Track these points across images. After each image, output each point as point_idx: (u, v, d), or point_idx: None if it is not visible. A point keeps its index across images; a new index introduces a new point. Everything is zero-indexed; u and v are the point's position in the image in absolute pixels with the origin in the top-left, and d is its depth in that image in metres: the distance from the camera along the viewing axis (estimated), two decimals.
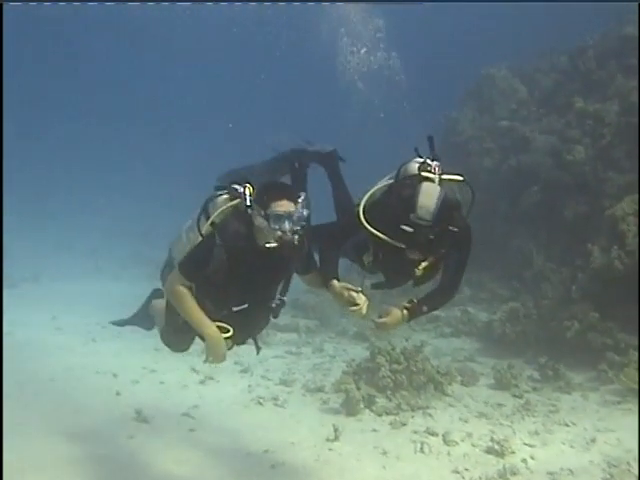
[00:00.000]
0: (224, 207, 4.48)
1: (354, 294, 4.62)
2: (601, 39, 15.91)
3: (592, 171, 12.60)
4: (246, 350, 10.72)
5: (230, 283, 4.50)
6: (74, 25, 40.63)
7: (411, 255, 4.43)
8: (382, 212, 4.58)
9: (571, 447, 6.89)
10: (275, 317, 4.97)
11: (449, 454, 6.74)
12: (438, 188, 4.34)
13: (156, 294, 6.17)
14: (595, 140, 13.09)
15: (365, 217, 4.59)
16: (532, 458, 6.58)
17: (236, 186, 4.52)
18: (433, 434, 7.23)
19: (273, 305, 4.85)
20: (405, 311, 4.73)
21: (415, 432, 7.33)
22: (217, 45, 37.27)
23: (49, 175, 34.48)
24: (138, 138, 45.67)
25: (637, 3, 11.75)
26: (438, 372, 8.77)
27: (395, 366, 8.51)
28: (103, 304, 13.15)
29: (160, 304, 5.59)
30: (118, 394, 8.34)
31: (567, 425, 7.50)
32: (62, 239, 22.60)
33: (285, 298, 4.91)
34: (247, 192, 4.41)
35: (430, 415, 7.89)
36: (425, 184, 4.35)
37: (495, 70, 18.88)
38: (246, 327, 4.77)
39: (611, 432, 7.19)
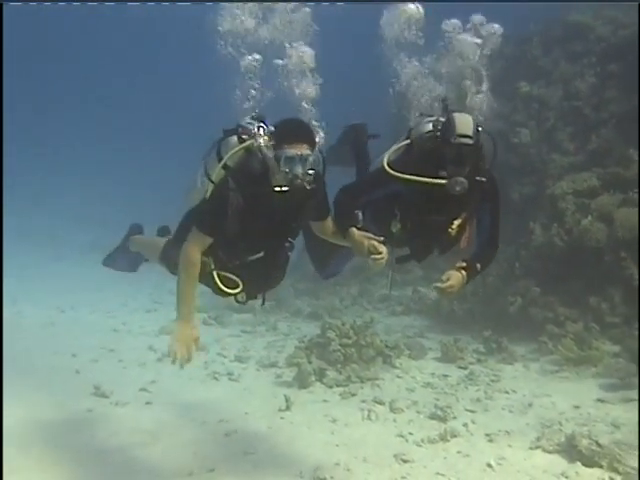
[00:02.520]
0: (237, 148, 4.29)
1: (375, 243, 4.39)
2: (546, 26, 16.35)
3: (537, 153, 13.03)
4: (202, 329, 11.12)
5: (244, 229, 4.30)
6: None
7: (455, 186, 4.28)
8: (408, 163, 4.54)
9: (510, 412, 7.31)
10: (286, 262, 4.79)
11: (395, 420, 7.12)
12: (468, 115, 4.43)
13: (133, 231, 6.14)
14: (540, 123, 13.54)
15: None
16: (473, 422, 6.97)
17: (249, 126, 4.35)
18: (380, 403, 7.61)
19: (285, 249, 4.64)
20: (463, 272, 4.62)
21: (363, 401, 7.70)
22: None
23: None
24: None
25: (637, 3, 12.04)
26: (387, 346, 9.17)
27: (345, 340, 8.86)
28: (62, 289, 13.34)
29: (143, 239, 5.70)
30: (77, 372, 8.61)
31: (507, 392, 7.94)
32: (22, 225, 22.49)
33: (294, 242, 4.66)
34: (260, 131, 4.21)
35: (378, 386, 8.26)
36: (455, 113, 4.42)
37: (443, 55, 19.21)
38: (260, 279, 4.61)
39: (547, 397, 7.63)
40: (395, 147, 4.83)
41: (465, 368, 8.96)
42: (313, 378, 8.30)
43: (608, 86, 13.06)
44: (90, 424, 6.87)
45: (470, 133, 4.28)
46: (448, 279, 4.55)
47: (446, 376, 8.67)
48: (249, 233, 4.33)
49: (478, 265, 4.72)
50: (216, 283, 4.46)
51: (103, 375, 8.44)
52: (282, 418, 7.17)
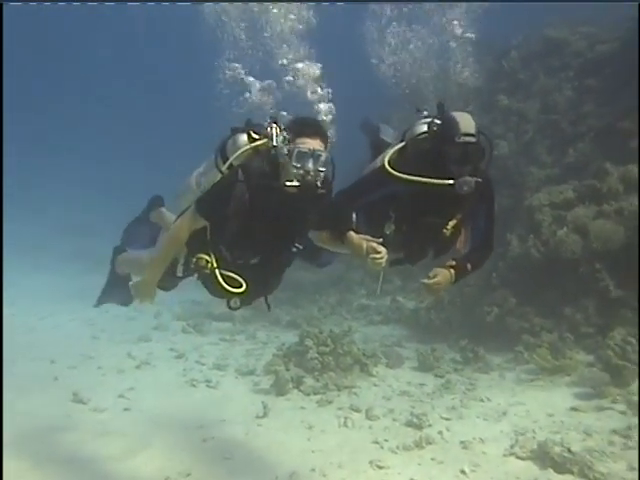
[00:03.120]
0: (247, 147, 4.23)
1: (374, 244, 4.27)
2: (524, 41, 16.59)
3: (515, 165, 13.18)
4: (181, 337, 11.20)
5: (248, 226, 4.17)
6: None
7: (463, 186, 4.17)
8: (405, 164, 4.40)
9: (484, 420, 7.41)
10: (288, 266, 4.63)
11: (370, 427, 7.21)
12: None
13: (117, 251, 5.86)
14: (518, 136, 13.71)
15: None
16: (447, 430, 7.07)
17: (262, 125, 4.28)
18: (357, 410, 7.71)
19: (290, 254, 4.49)
20: (452, 270, 4.47)
21: (340, 409, 7.80)
22: None
23: None
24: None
25: (637, 3, 12.17)
26: (364, 354, 9.25)
27: (323, 348, 8.95)
28: (42, 296, 13.33)
29: (128, 255, 5.53)
30: (56, 379, 8.63)
31: (482, 401, 8.03)
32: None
33: (301, 247, 4.49)
34: (275, 131, 4.10)
35: (355, 394, 8.36)
36: (455, 112, 4.31)
37: (424, 70, 19.41)
38: (261, 282, 4.43)
39: (521, 405, 7.73)
40: (391, 150, 4.67)
41: (441, 377, 9.04)
42: (290, 385, 8.38)
43: (585, 100, 13.28)
44: (68, 430, 6.91)
45: (474, 132, 4.24)
46: (435, 275, 4.42)
47: (422, 385, 8.75)
48: (253, 231, 4.21)
49: (468, 265, 4.63)
50: (218, 282, 4.23)
51: (82, 382, 8.49)
52: (259, 425, 7.25)
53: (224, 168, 4.27)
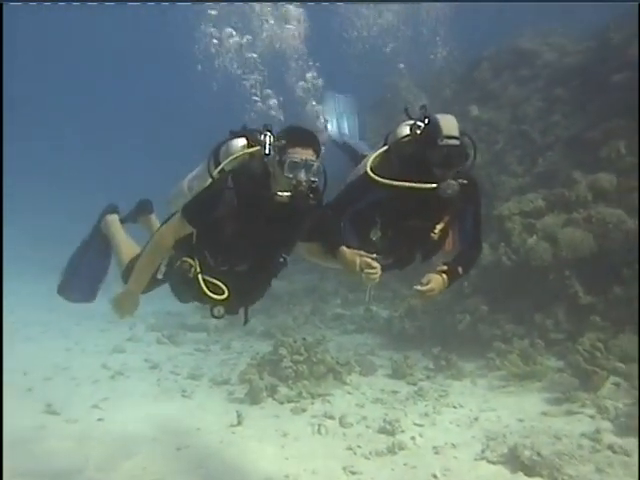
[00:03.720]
0: (240, 153, 4.19)
1: (368, 259, 4.20)
2: (495, 52, 16.83)
3: (486, 175, 13.32)
4: (156, 348, 11.20)
5: (235, 233, 4.12)
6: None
7: (447, 189, 4.12)
8: (390, 169, 4.37)
9: (457, 425, 7.50)
10: (275, 276, 4.53)
11: (344, 434, 7.29)
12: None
13: (108, 210, 5.65)
14: (489, 146, 13.87)
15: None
16: (420, 436, 7.17)
17: (256, 132, 4.24)
18: (330, 417, 7.78)
19: (277, 264, 4.43)
20: (444, 275, 4.40)
21: (314, 416, 7.87)
22: None
23: None
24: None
25: (637, 3, 12.31)
26: (338, 363, 9.31)
27: (296, 357, 9.01)
28: (16, 307, 13.29)
29: (120, 230, 5.39)
30: (29, 390, 8.61)
31: (455, 407, 8.12)
32: None
33: (288, 258, 4.46)
34: (268, 140, 4.04)
35: (329, 402, 8.42)
36: (438, 115, 4.25)
37: (398, 80, 19.62)
38: (245, 291, 4.37)
39: (493, 411, 7.83)
40: (374, 155, 4.61)
41: (414, 384, 9.12)
42: (265, 394, 8.43)
43: (554, 110, 13.48)
44: (42, 441, 6.90)
45: (457, 134, 4.18)
46: (429, 282, 4.33)
47: (395, 392, 8.82)
48: (240, 238, 4.14)
49: (460, 269, 4.55)
50: (200, 288, 4.15)
51: (55, 393, 8.47)
52: (233, 433, 7.30)
53: (215, 173, 4.19)
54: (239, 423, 7.50)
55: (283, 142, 3.97)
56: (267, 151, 4.01)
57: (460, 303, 10.79)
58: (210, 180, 4.18)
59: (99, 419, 7.66)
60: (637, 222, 9.54)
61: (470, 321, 10.33)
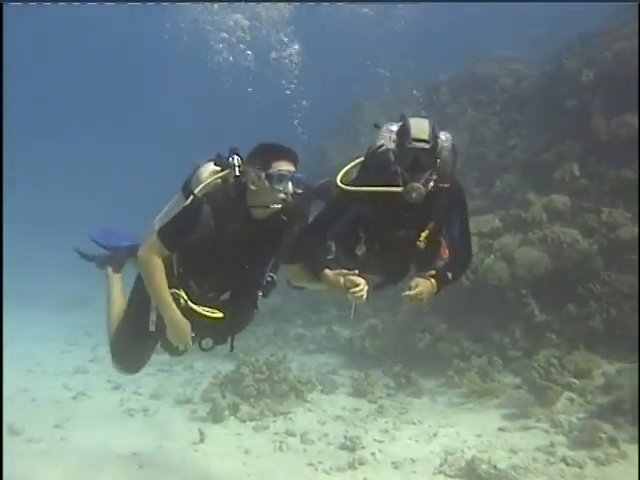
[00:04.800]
0: (211, 178, 4.16)
1: (351, 277, 4.09)
2: (453, 76, 17.19)
3: None
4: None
5: (217, 259, 4.14)
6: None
7: (412, 193, 3.98)
8: (366, 177, 4.29)
9: (416, 441, 7.64)
10: (265, 296, 4.51)
11: (305, 451, 7.39)
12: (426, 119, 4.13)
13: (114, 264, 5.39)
14: None
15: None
16: (380, 451, 7.30)
17: (223, 157, 4.23)
18: (292, 435, 7.88)
19: (262, 285, 4.43)
20: (433, 280, 4.30)
21: (275, 434, 7.97)
22: None
23: None
24: None
25: (637, 3, 12.55)
26: (299, 381, 9.42)
27: (258, 376, 9.10)
28: None
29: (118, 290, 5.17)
30: None
31: (414, 423, 8.26)
32: None
33: (275, 276, 4.49)
34: (236, 162, 4.12)
35: (290, 419, 8.52)
36: (412, 118, 4.09)
37: (362, 101, 19.92)
38: (233, 319, 4.35)
39: (452, 427, 7.97)
40: (347, 167, 4.50)
41: (375, 402, 9.23)
42: (227, 412, 8.50)
43: (510, 134, 13.81)
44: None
45: (426, 137, 3.97)
46: (417, 285, 4.22)
47: (356, 409, 8.94)
48: (221, 261, 4.16)
49: (449, 274, 4.44)
50: (195, 313, 4.17)
51: (16, 413, 8.41)
52: (196, 450, 7.37)
53: (189, 201, 4.13)
54: (201, 441, 7.57)
55: (265, 157, 4.05)
56: (237, 173, 4.08)
57: (420, 322, 10.96)
58: (185, 204, 4.15)
59: (62, 438, 7.67)
60: (592, 241, 9.86)
61: (430, 340, 10.51)
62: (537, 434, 7.47)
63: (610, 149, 11.19)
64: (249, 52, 12.40)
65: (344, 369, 11.18)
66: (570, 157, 11.56)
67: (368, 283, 4.14)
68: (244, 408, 8.70)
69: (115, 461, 7.00)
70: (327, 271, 4.24)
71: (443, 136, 4.17)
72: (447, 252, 4.62)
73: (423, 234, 4.33)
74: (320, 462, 7.00)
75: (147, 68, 44.71)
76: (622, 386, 7.71)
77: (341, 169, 4.45)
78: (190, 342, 4.21)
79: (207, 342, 4.37)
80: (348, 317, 13.20)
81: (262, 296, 4.49)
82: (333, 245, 4.50)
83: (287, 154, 4.11)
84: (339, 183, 4.30)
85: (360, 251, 4.53)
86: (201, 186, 4.13)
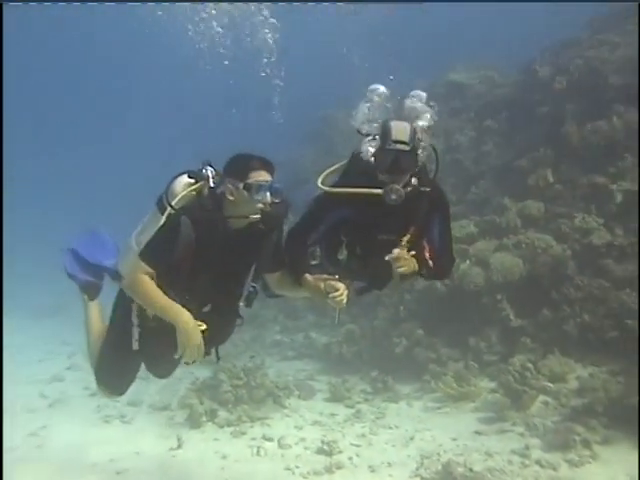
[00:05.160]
0: (186, 190, 4.13)
1: (331, 282, 4.09)
2: (429, 84, 17.33)
3: None
4: (93, 377, 11.08)
5: (198, 271, 4.07)
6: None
7: (391, 195, 3.99)
8: (347, 180, 4.30)
9: (392, 445, 7.71)
10: (248, 306, 4.41)
11: (283, 456, 7.43)
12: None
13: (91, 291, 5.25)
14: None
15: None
16: (357, 455, 7.37)
17: (198, 168, 4.22)
18: (269, 440, 7.93)
19: (243, 297, 4.34)
20: (414, 259, 4.23)
21: (253, 439, 8.00)
22: None
23: None
24: None
25: (637, 3, 12.65)
26: (277, 387, 9.45)
27: (236, 382, 9.11)
28: None
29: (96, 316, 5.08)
30: None
31: (391, 428, 8.32)
32: None
33: (257, 286, 4.42)
34: (210, 173, 4.12)
35: (268, 425, 8.54)
36: (393, 120, 4.10)
37: (334, 112, 20.00)
38: (216, 330, 4.20)
39: (428, 431, 8.07)
40: (329, 169, 4.53)
41: (352, 407, 9.29)
42: (205, 418, 8.50)
43: (485, 141, 13.98)
44: None
45: (406, 139, 4.01)
46: (397, 259, 4.13)
47: (334, 414, 8.99)
48: (202, 273, 4.10)
49: (430, 263, 4.39)
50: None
51: None
52: (173, 456, 7.38)
53: (166, 213, 4.10)
54: (179, 446, 7.58)
55: (242, 168, 4.00)
56: (211, 184, 4.08)
57: (396, 327, 11.04)
58: (163, 220, 4.10)
59: (38, 446, 7.65)
60: (565, 247, 9.99)
61: (406, 345, 10.57)
62: (512, 437, 7.57)
63: (582, 155, 11.37)
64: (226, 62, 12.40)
65: (322, 375, 11.21)
66: (544, 163, 11.74)
67: (348, 288, 4.12)
68: (222, 414, 8.70)
69: (92, 468, 6.99)
70: (307, 276, 4.26)
71: (424, 141, 4.18)
72: (431, 256, 4.51)
73: (405, 238, 4.28)
74: (297, 466, 7.05)
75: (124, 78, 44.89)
76: (595, 389, 7.80)
77: (322, 173, 4.45)
78: (203, 347, 3.98)
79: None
80: (326, 323, 13.34)
81: (245, 306, 4.42)
82: (318, 250, 4.49)
83: (264, 164, 4.05)
84: (320, 185, 4.31)
85: (342, 255, 4.56)
86: (176, 199, 4.10)
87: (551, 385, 8.49)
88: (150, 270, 3.95)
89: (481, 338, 10.04)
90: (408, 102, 4.30)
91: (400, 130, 4.03)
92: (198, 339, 3.92)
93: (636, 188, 10.00)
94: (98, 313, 5.15)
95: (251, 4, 11.33)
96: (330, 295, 4.05)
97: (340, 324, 12.84)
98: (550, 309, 9.64)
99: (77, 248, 5.33)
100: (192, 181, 4.19)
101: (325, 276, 4.17)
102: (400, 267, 4.14)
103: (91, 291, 5.26)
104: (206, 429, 8.35)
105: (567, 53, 13.84)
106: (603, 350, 8.91)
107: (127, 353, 4.35)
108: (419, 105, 4.31)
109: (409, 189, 4.10)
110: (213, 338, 4.24)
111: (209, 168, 4.18)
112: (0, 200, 12.66)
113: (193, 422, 8.41)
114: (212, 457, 7.36)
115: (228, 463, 7.20)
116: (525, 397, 8.21)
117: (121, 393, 5.03)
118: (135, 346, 4.30)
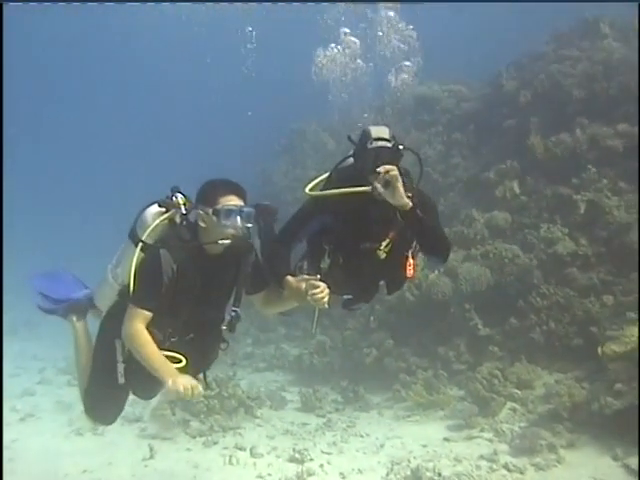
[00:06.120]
0: (158, 220, 4.09)
1: (312, 281, 3.99)
2: (397, 97, 17.53)
3: None
4: (67, 390, 11.09)
5: (180, 301, 4.03)
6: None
7: (379, 191, 3.95)
8: (331, 187, 4.27)
9: (363, 453, 7.83)
10: (232, 331, 4.34)
11: (255, 464, 7.52)
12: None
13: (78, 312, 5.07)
14: None
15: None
16: (328, 463, 7.48)
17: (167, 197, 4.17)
18: (241, 449, 8.00)
19: (225, 322, 4.31)
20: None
21: (225, 448, 8.07)
22: None
23: None
24: None
25: (637, 3, 12.80)
26: (248, 397, 9.51)
27: (208, 392, 9.13)
28: None
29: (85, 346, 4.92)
30: None
31: (362, 436, 8.44)
32: None
33: (239, 310, 4.32)
34: (180, 200, 4.11)
35: (240, 434, 8.61)
36: (372, 125, 4.18)
37: (305, 125, 20.16)
38: (200, 357, 4.23)
39: (398, 438, 8.20)
40: (315, 181, 4.50)
41: (323, 416, 9.40)
42: (177, 429, 8.56)
43: (453, 154, 14.20)
44: None
45: (387, 137, 4.07)
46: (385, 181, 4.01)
47: (305, 424, 9.08)
48: (183, 304, 4.05)
49: (409, 272, 4.48)
50: None
51: None
52: (146, 466, 7.43)
53: (139, 249, 4.02)
54: (151, 457, 7.62)
55: (211, 194, 3.99)
56: (183, 211, 4.07)
57: (366, 338, 11.15)
58: (142, 257, 4.02)
59: (9, 459, 7.60)
60: (531, 256, 10.19)
61: (376, 355, 10.68)
62: (481, 443, 7.72)
63: (547, 167, 11.61)
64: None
65: (293, 386, 11.27)
66: (510, 175, 11.95)
67: (329, 287, 4.02)
68: (194, 424, 8.75)
69: (64, 478, 7.02)
70: (289, 277, 4.22)
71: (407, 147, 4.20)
72: (412, 271, 4.57)
73: (384, 243, 4.28)
74: (269, 474, 7.14)
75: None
76: (561, 395, 7.95)
77: (308, 183, 4.45)
78: (200, 388, 3.79)
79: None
80: (297, 336, 13.38)
81: (229, 331, 4.36)
82: (305, 265, 4.52)
83: (234, 189, 4.04)
84: (307, 190, 4.35)
85: (324, 264, 4.52)
86: (148, 231, 4.06)
87: (518, 392, 8.67)
88: (147, 313, 3.91)
89: (450, 347, 10.18)
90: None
91: (380, 130, 4.12)
92: (189, 393, 3.70)
93: (598, 198, 10.25)
94: (86, 336, 5.00)
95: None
96: (310, 292, 3.96)
97: (311, 336, 12.95)
98: (517, 318, 9.83)
99: (41, 291, 5.21)
100: (163, 210, 4.14)
101: (306, 277, 4.12)
102: (394, 182, 3.99)
103: (78, 311, 5.07)
104: (178, 439, 8.40)
105: (532, 67, 14.14)
106: (569, 357, 9.11)
107: (113, 387, 4.30)
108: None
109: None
110: (197, 365, 4.23)
111: (179, 195, 4.16)
112: (0, 195, 12.52)
113: (165, 433, 8.46)
114: (184, 466, 7.42)
115: (200, 472, 7.26)
116: (493, 404, 8.38)
117: (109, 423, 4.93)
118: (121, 381, 4.24)
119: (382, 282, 4.68)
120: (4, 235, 18.76)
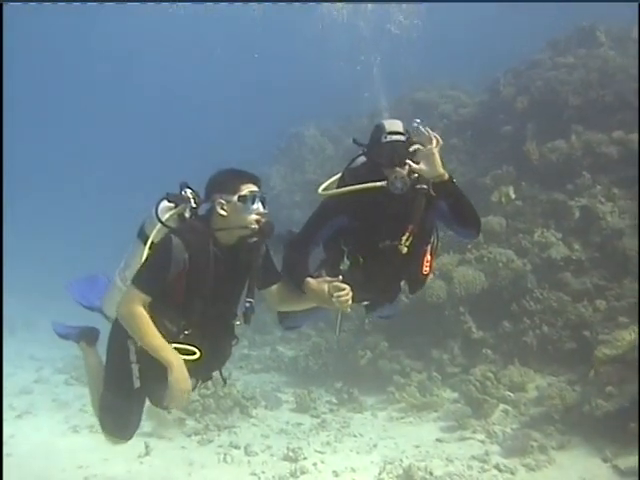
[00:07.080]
0: (169, 213, 4.04)
1: (335, 283, 3.97)
2: (396, 103, 17.66)
3: None
4: (64, 389, 11.15)
5: (192, 293, 3.96)
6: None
7: (396, 183, 3.96)
8: (345, 186, 4.24)
9: (356, 452, 7.91)
10: (247, 322, 4.22)
11: (249, 462, 7.60)
12: None
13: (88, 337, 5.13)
14: None
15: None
16: (322, 462, 7.56)
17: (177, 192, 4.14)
18: (236, 447, 8.08)
19: (238, 317, 4.23)
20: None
21: (220, 446, 8.16)
22: None
23: None
24: None
25: (637, 3, 12.88)
26: (244, 397, 9.59)
27: (204, 391, 9.22)
28: None
29: (94, 362, 4.95)
30: None
31: (355, 436, 8.52)
32: None
33: (253, 302, 4.18)
34: (190, 194, 4.10)
35: (235, 433, 8.69)
36: (384, 119, 4.17)
37: (304, 129, 20.26)
38: (212, 353, 4.08)
39: (391, 439, 8.29)
40: (327, 182, 4.50)
41: (317, 417, 9.47)
42: (172, 427, 8.60)
43: (450, 159, 14.27)
44: None
45: (401, 130, 4.09)
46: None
47: (299, 424, 9.15)
48: (197, 295, 3.97)
49: (426, 269, 4.50)
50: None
51: None
52: (141, 463, 7.49)
53: (147, 247, 3.98)
54: (147, 454, 7.68)
55: (232, 182, 3.99)
56: (193, 204, 4.07)
57: (361, 340, 11.23)
58: (153, 246, 3.98)
59: (7, 455, 7.67)
60: (525, 261, 10.30)
61: (371, 357, 10.77)
62: (473, 444, 7.81)
63: (542, 172, 11.73)
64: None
65: (288, 387, 11.34)
66: (506, 180, 12.04)
67: (352, 289, 3.99)
68: (189, 423, 8.83)
69: (61, 474, 7.07)
70: (310, 280, 4.15)
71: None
72: (429, 269, 4.59)
73: (404, 238, 4.18)
74: (263, 472, 7.21)
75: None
76: (552, 397, 8.04)
77: (321, 185, 4.47)
78: (190, 390, 3.85)
79: (192, 382, 3.92)
80: (293, 338, 13.44)
81: (244, 322, 4.23)
82: (324, 273, 4.32)
83: (252, 176, 4.05)
84: (320, 191, 4.37)
85: (344, 265, 4.46)
86: (158, 226, 3.99)
87: (511, 394, 8.76)
88: (146, 297, 3.84)
89: (444, 350, 10.30)
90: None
91: (393, 123, 4.15)
92: (188, 386, 3.77)
93: (592, 204, 10.36)
94: (96, 359, 5.00)
95: None
96: (335, 294, 3.93)
97: (306, 338, 13.07)
98: (510, 321, 9.94)
99: (77, 300, 5.17)
100: (172, 205, 4.10)
101: (328, 278, 4.07)
102: (427, 154, 4.08)
103: (89, 337, 5.12)
104: (174, 437, 8.45)
105: (529, 74, 14.28)
106: (561, 360, 9.21)
107: (129, 394, 4.26)
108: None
109: (414, 176, 4.08)
110: (212, 362, 4.19)
111: (187, 190, 4.14)
112: (0, 197, 12.58)
113: (161, 431, 8.49)
114: (179, 463, 7.49)
115: (195, 469, 7.33)
116: (486, 406, 8.47)
117: (127, 438, 4.92)
118: (137, 384, 4.15)
119: (403, 282, 4.72)
120: (4, 235, 18.95)
